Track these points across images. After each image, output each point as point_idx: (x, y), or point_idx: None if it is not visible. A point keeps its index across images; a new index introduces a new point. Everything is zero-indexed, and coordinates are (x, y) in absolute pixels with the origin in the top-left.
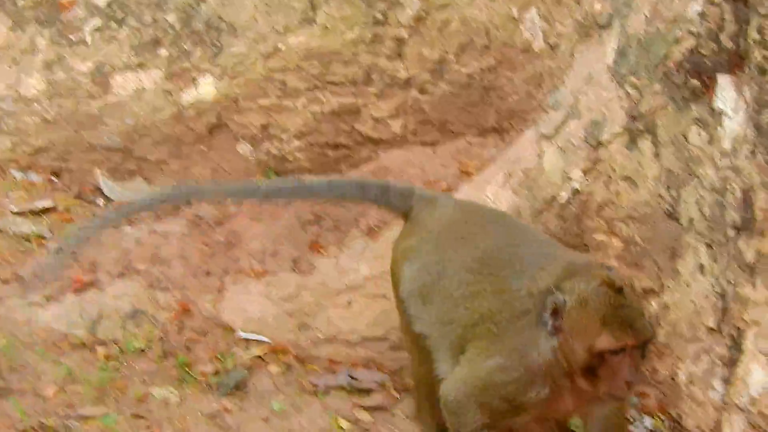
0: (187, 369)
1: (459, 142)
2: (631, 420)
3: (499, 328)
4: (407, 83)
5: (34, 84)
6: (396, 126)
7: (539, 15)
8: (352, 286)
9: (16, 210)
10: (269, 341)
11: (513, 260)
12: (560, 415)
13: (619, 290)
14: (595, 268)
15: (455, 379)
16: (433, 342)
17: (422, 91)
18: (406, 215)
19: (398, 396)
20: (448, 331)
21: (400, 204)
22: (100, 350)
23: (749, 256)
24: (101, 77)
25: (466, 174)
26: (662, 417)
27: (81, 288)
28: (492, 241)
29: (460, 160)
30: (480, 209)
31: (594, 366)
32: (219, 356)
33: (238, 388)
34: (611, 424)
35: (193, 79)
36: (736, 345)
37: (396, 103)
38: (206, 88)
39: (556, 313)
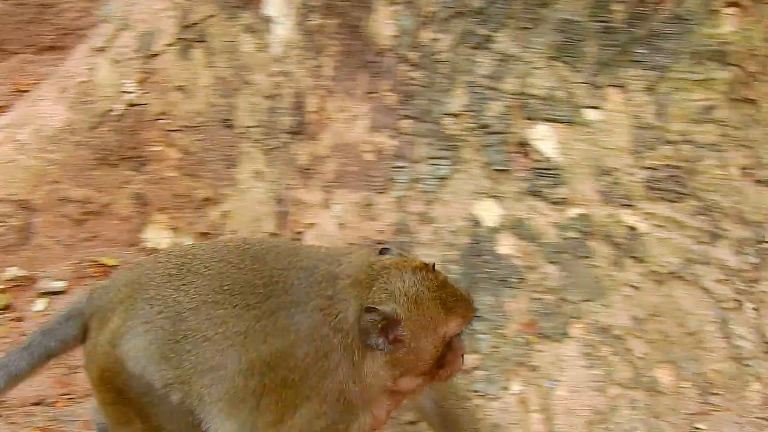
0: None
1: (14, 60)
2: None
3: (300, 374)
4: None
5: None
6: None
7: None
8: None
9: None
10: None
11: (274, 288)
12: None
13: (432, 268)
14: (385, 259)
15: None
16: (198, 402)
17: None
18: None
19: None
20: (219, 378)
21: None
22: None
23: (302, 159)
24: None
25: (20, 92)
26: None
27: None
28: (228, 268)
29: (14, 79)
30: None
31: (443, 353)
32: None
33: None
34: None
35: None
36: None
37: None
38: None
39: (385, 328)
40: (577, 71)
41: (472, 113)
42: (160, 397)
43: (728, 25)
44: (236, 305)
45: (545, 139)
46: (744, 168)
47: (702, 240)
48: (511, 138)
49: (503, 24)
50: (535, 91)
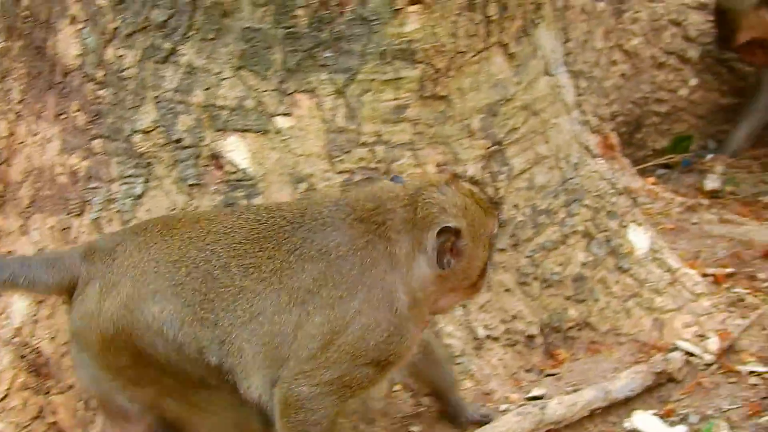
0: None
1: None
2: None
3: (347, 289)
4: None
5: None
6: None
7: None
8: None
9: None
10: None
11: (301, 220)
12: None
13: (457, 176)
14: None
15: (305, 368)
16: (239, 359)
17: None
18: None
19: None
20: (259, 324)
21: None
22: None
23: None
24: None
25: None
26: None
27: None
28: (248, 222)
29: None
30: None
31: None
32: None
33: None
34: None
35: None
36: None
37: None
38: None
39: (453, 243)
40: (265, 79)
41: (162, 128)
42: (193, 361)
43: (413, 23)
44: (265, 248)
45: (237, 150)
46: (440, 165)
47: None
48: (203, 151)
49: (187, 36)
50: (224, 102)
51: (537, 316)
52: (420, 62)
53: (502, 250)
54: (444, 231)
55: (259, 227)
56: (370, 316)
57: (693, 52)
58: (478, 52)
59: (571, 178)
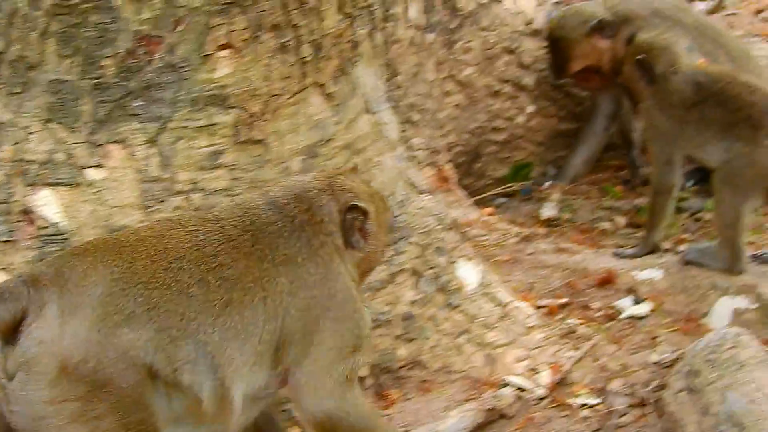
0: None
1: None
2: None
3: (318, 288)
4: None
5: None
6: None
7: None
8: None
9: None
10: None
11: (255, 230)
12: None
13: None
14: (319, 173)
15: (312, 384)
16: (226, 373)
17: None
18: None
19: None
20: (248, 335)
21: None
22: None
23: None
24: None
25: None
26: None
27: None
28: (209, 235)
29: None
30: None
31: None
32: None
33: None
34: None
35: None
36: None
37: None
38: None
39: (362, 225)
40: (75, 131)
41: None
42: (166, 382)
43: (224, 68)
44: (237, 258)
45: (49, 204)
46: None
47: None
48: (14, 207)
49: None
50: (33, 156)
51: (366, 357)
52: (233, 107)
53: None
54: (353, 209)
55: (217, 238)
56: (342, 309)
57: (528, 79)
58: (294, 94)
59: (397, 216)
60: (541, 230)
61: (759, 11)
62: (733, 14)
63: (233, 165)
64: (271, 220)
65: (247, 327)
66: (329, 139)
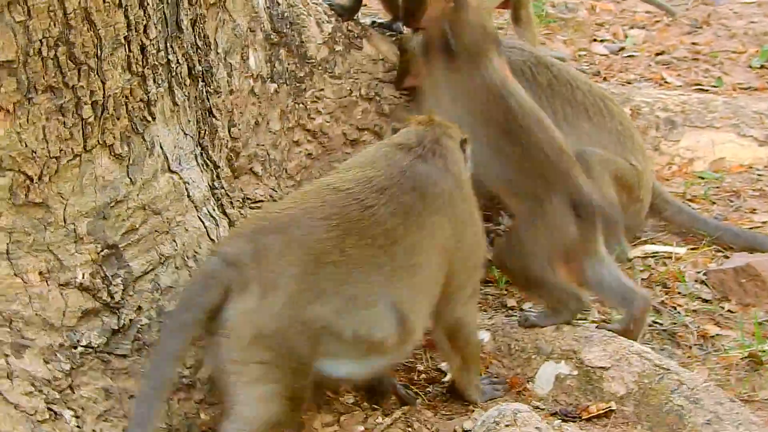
0: None
1: None
2: None
3: (462, 216)
4: None
5: None
6: None
7: None
8: None
9: None
10: None
11: (402, 177)
12: None
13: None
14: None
15: (455, 297)
16: (414, 316)
17: None
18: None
19: None
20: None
21: None
22: None
23: None
24: None
25: None
26: None
27: None
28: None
29: None
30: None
31: None
32: None
33: None
34: None
35: None
36: None
37: None
38: None
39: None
40: None
41: None
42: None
43: None
44: (397, 213)
45: None
46: (43, 273)
47: (5, 353)
48: None
49: None
50: None
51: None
52: (9, 170)
53: (123, 355)
54: (464, 141)
55: (379, 199)
56: (478, 230)
57: (388, 128)
58: (77, 156)
59: None
60: None
61: (658, 53)
62: (631, 56)
63: (11, 229)
64: (422, 172)
65: (429, 280)
66: (121, 200)
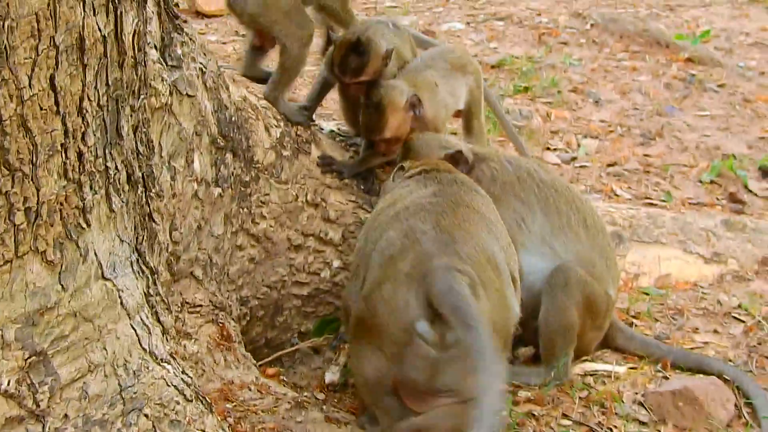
0: None
1: None
2: None
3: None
4: None
5: None
6: None
7: None
8: None
9: None
10: None
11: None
12: None
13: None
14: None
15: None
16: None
17: None
18: None
19: None
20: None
21: None
22: None
23: None
24: None
25: None
26: None
27: None
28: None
29: None
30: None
31: None
32: None
33: None
34: None
35: None
36: None
37: None
38: None
39: None
40: None
41: None
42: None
43: None
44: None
45: None
46: None
47: None
48: None
49: None
50: None
51: None
52: None
53: None
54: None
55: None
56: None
57: (333, 234)
58: (8, 261)
59: (130, 386)
60: (320, 396)
61: (610, 165)
62: (583, 167)
63: None
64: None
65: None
66: (51, 307)
